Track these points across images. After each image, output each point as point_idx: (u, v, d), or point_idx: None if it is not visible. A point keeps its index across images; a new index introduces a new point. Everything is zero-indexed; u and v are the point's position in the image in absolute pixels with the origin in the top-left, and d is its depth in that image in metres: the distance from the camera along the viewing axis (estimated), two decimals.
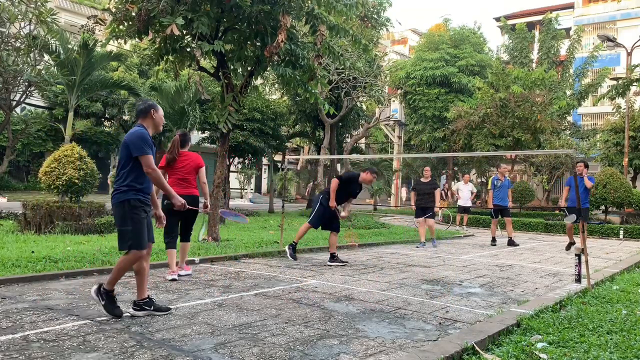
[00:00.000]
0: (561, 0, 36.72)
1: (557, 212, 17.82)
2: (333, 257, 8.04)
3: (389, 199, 36.74)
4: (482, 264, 8.74)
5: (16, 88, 12.22)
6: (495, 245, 11.90)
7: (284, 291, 5.73)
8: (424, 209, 11.16)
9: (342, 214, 8.45)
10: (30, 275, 5.70)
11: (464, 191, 16.58)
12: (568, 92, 26.40)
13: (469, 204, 16.74)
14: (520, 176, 29.37)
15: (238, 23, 9.03)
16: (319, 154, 23.68)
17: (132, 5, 8.45)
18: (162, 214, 4.77)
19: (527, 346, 3.72)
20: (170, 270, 6.14)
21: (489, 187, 12.48)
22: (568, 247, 10.89)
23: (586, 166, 10.39)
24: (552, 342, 3.86)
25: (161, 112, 4.72)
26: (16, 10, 10.96)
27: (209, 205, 6.97)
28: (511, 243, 11.84)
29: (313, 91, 9.83)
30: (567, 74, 27.22)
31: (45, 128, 24.84)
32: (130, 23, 8.69)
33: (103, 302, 4.31)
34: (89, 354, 3.39)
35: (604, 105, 29.62)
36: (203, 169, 6.54)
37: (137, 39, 9.26)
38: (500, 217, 12.16)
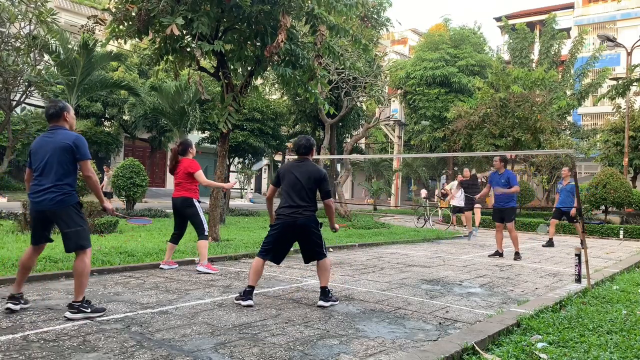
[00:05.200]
0: (561, 0, 36.72)
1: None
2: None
3: (388, 199, 36.72)
4: (482, 263, 8.74)
5: (16, 88, 12.19)
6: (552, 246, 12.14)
7: (284, 291, 5.73)
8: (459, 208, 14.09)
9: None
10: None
11: (457, 191, 16.56)
12: (568, 92, 26.37)
13: (462, 203, 16.72)
14: (520, 176, 29.35)
15: (238, 23, 9.02)
16: (319, 154, 23.61)
17: (132, 5, 8.44)
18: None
19: (527, 346, 3.72)
20: (164, 261, 6.98)
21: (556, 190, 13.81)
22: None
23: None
24: (552, 342, 3.86)
25: (72, 112, 4.66)
26: (16, 10, 10.96)
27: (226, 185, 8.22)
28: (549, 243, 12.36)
29: (313, 91, 9.82)
30: (568, 74, 27.20)
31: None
32: (130, 23, 8.68)
33: (89, 309, 4.28)
34: (89, 354, 3.39)
35: (604, 105, 29.59)
36: (198, 173, 6.85)
37: (137, 39, 9.25)
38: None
